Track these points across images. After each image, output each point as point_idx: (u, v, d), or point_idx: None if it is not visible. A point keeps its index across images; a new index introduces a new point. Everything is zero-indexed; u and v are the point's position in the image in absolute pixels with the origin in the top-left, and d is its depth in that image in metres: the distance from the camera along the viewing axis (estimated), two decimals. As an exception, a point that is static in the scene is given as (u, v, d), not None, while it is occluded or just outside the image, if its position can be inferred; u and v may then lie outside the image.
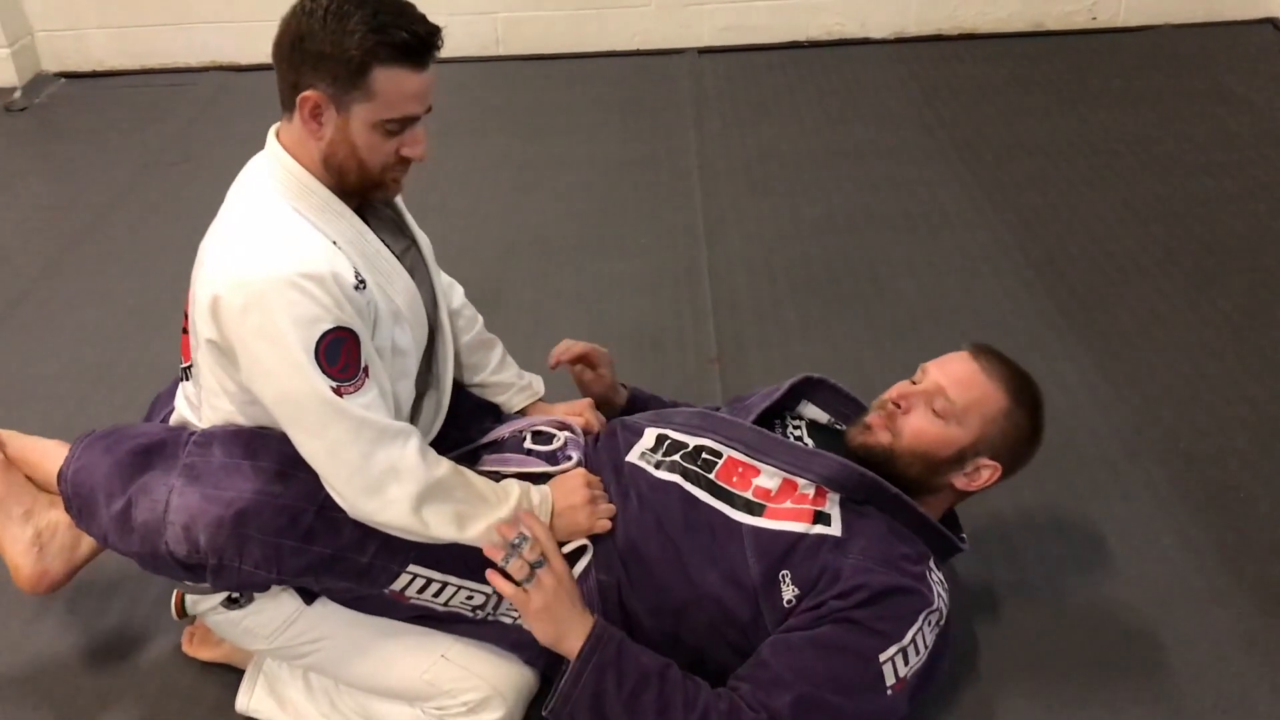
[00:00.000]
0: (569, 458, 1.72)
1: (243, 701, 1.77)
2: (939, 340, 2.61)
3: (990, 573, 2.00)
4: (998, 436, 1.67)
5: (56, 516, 1.71)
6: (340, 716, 1.73)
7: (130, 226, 3.44)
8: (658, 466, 1.70)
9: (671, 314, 2.84)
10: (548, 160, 3.74)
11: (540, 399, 1.98)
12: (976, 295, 2.85)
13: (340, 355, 1.44)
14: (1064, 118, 3.87)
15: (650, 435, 1.77)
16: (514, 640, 1.66)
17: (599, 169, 3.66)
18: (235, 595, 1.62)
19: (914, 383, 1.72)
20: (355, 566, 1.53)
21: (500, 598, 1.60)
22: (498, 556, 1.55)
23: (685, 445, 1.73)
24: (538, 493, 1.62)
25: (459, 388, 1.87)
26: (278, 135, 1.55)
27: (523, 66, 4.58)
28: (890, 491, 1.65)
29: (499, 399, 1.95)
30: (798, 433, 1.84)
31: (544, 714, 1.57)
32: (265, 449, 1.51)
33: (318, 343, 1.42)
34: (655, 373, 2.58)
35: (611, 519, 1.65)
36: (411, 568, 1.55)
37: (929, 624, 1.58)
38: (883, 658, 1.53)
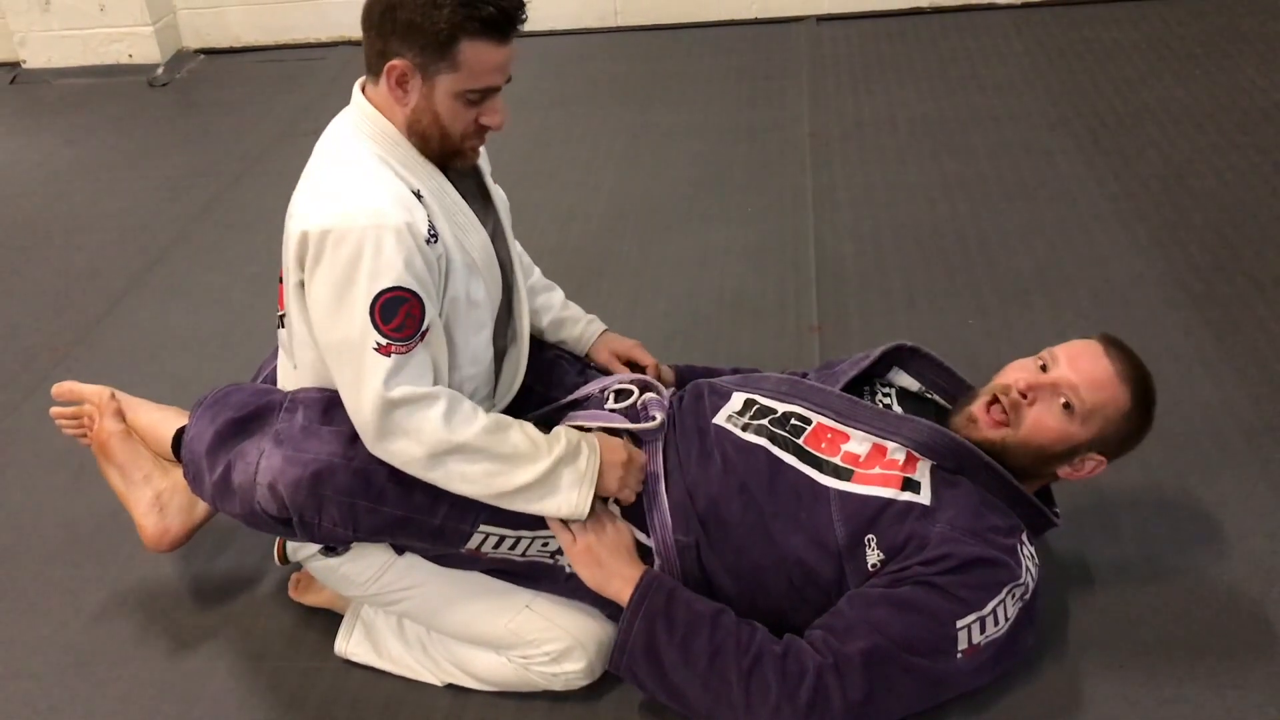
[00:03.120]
0: (652, 417, 1.74)
1: (341, 645, 1.85)
2: (1049, 312, 2.57)
3: (1086, 548, 1.95)
4: (1113, 435, 1.65)
5: (174, 479, 1.84)
6: (432, 663, 1.79)
7: (258, 195, 3.59)
8: (744, 429, 1.70)
9: (774, 281, 2.83)
10: (661, 129, 3.76)
11: (606, 330, 2.03)
12: (1091, 266, 2.76)
13: (398, 314, 1.49)
14: (1191, 83, 3.72)
15: (738, 399, 1.78)
16: (595, 596, 1.69)
17: (711, 138, 3.66)
18: (331, 545, 1.70)
19: (1041, 368, 1.66)
20: (428, 528, 1.59)
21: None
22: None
23: (774, 410, 1.73)
24: (587, 444, 1.62)
25: (542, 346, 1.93)
26: (365, 93, 1.60)
27: (640, 37, 4.60)
28: (983, 460, 1.62)
29: (572, 334, 2.00)
30: (887, 400, 1.82)
31: (609, 669, 1.61)
32: (342, 414, 1.57)
33: (378, 295, 1.47)
34: (755, 340, 2.59)
35: (686, 479, 1.66)
36: (483, 527, 1.60)
37: (1012, 596, 1.56)
38: (960, 624, 1.52)
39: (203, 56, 4.84)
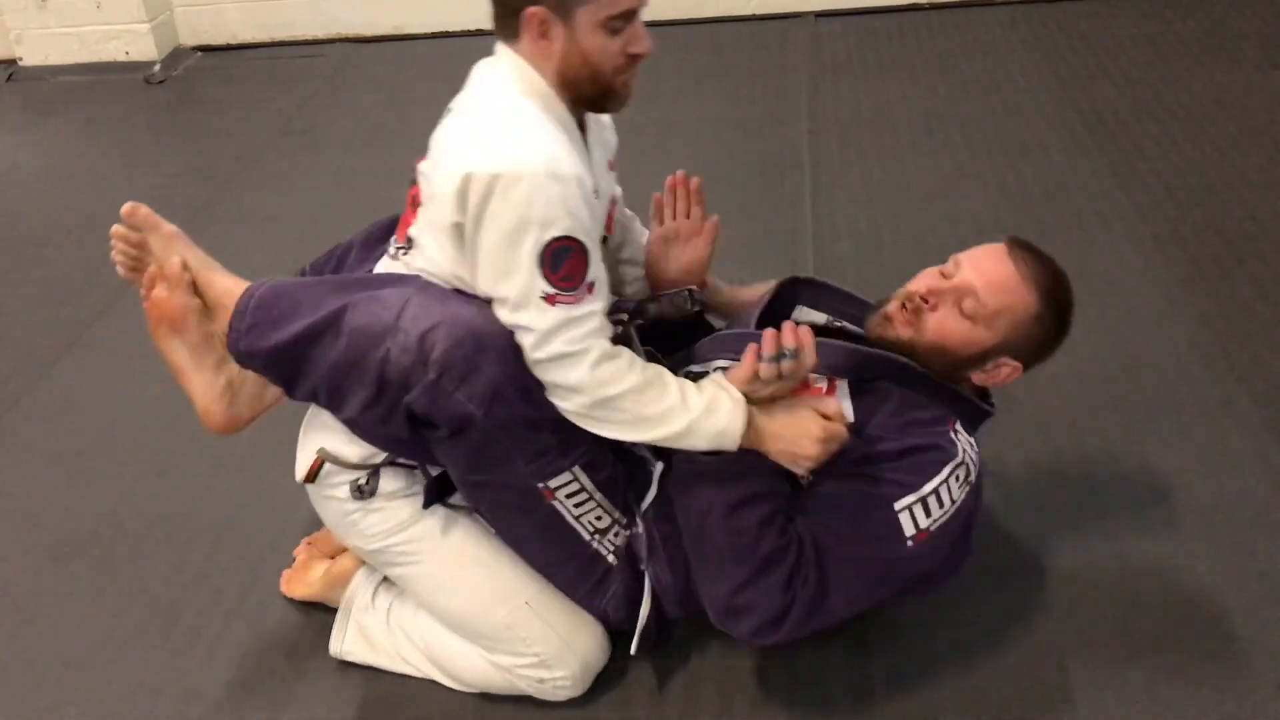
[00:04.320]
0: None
1: (335, 646, 1.84)
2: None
3: (1082, 544, 1.97)
4: (1023, 339, 1.63)
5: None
6: (414, 658, 1.79)
7: (256, 192, 3.58)
8: None
9: (772, 278, 2.81)
10: (657, 127, 3.74)
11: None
12: (1090, 264, 2.76)
13: (564, 264, 1.46)
14: (1191, 80, 3.71)
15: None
16: (600, 609, 1.70)
17: (708, 135, 3.65)
18: (363, 484, 1.65)
19: (944, 275, 1.65)
20: (540, 443, 1.55)
21: (616, 529, 1.66)
22: (769, 346, 1.49)
23: (706, 374, 1.70)
24: (740, 411, 1.53)
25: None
26: (512, 52, 1.58)
27: (637, 33, 4.58)
28: (897, 362, 1.63)
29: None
30: None
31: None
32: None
33: (547, 244, 1.45)
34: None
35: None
36: (575, 469, 1.59)
37: (955, 478, 1.56)
38: (898, 505, 1.53)
39: (200, 54, 4.83)
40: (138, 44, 4.67)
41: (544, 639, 1.67)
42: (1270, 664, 1.72)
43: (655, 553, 1.68)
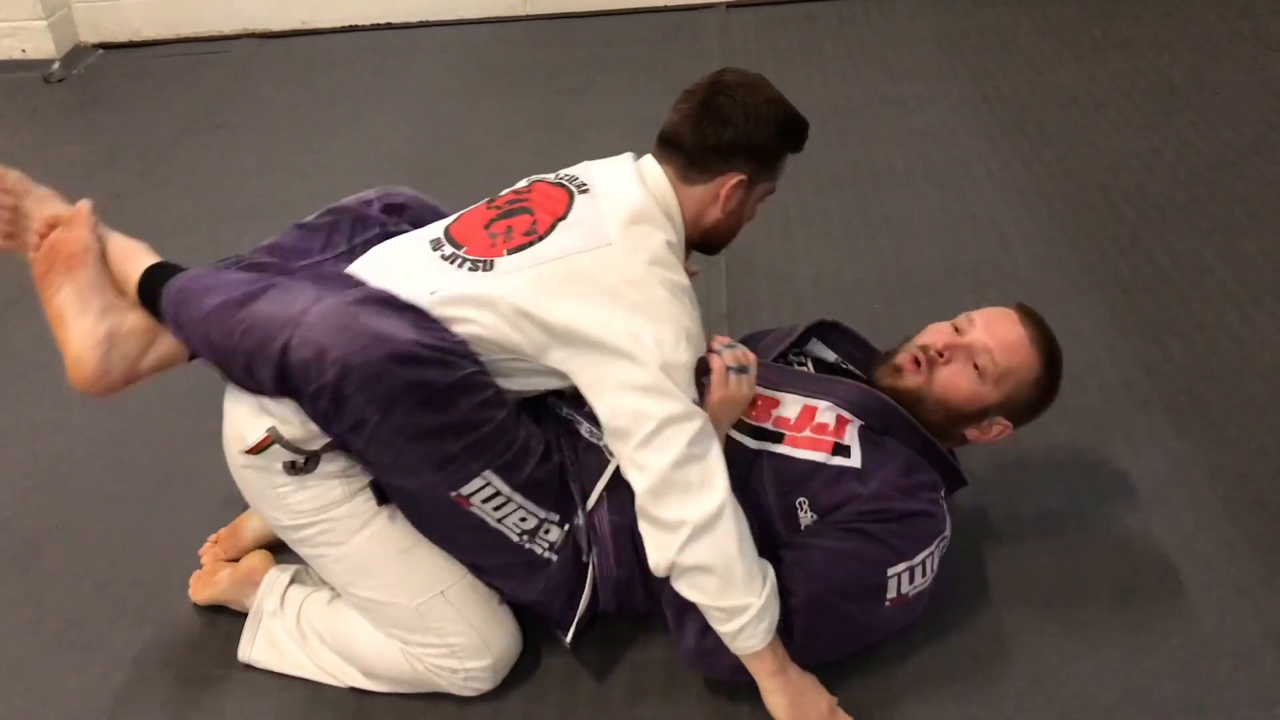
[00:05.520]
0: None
1: (244, 652, 1.81)
2: (955, 294, 2.61)
3: (994, 507, 2.03)
4: (1022, 400, 1.71)
5: (133, 321, 1.68)
6: (332, 665, 1.77)
7: (161, 193, 3.49)
8: None
9: (685, 271, 2.83)
10: (571, 121, 3.74)
11: None
12: (996, 250, 2.81)
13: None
14: (1091, 65, 3.79)
15: None
16: (536, 595, 1.68)
17: (622, 129, 3.64)
18: (296, 461, 1.60)
19: (956, 330, 1.72)
20: (444, 452, 1.52)
21: (547, 527, 1.64)
22: (717, 344, 1.66)
23: None
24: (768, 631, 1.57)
25: None
26: (672, 184, 1.75)
27: (549, 25, 4.56)
28: (907, 419, 1.70)
29: None
30: (804, 369, 1.86)
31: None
32: (427, 326, 1.54)
33: (690, 359, 1.58)
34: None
35: None
36: (487, 473, 1.55)
37: (939, 549, 1.64)
38: (891, 572, 1.59)
39: (101, 51, 4.70)
40: (34, 41, 4.53)
41: (458, 630, 1.67)
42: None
43: (599, 546, 1.68)
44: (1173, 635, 1.77)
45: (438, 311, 1.59)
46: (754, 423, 1.70)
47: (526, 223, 1.68)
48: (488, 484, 1.57)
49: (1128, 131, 3.33)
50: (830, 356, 1.94)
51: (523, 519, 1.62)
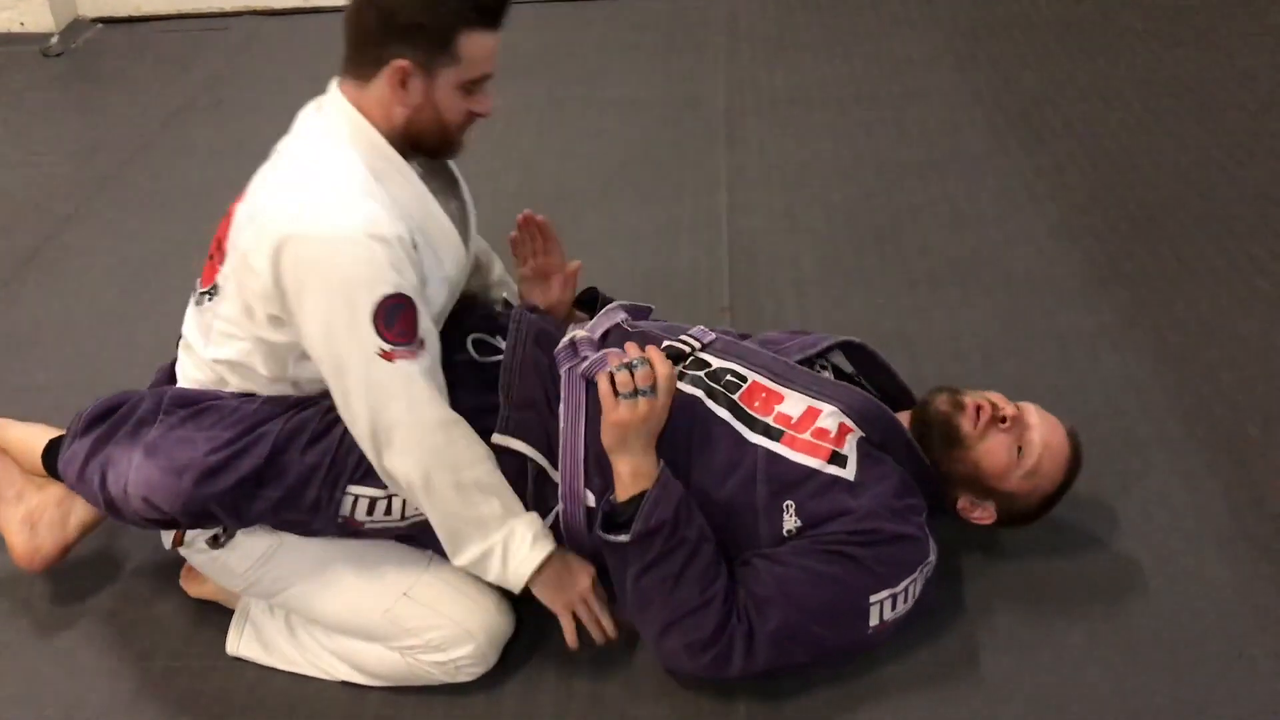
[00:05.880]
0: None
1: (232, 645, 1.79)
2: (958, 294, 2.58)
3: None
4: (1022, 503, 1.73)
5: (45, 498, 1.81)
6: (323, 660, 1.75)
7: (158, 171, 3.45)
8: (680, 378, 1.69)
9: (687, 261, 2.80)
10: (572, 105, 3.70)
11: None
12: (1002, 246, 2.77)
13: (398, 320, 1.49)
14: (1105, 59, 3.75)
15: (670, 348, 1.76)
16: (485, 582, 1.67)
17: (624, 114, 3.60)
18: (217, 534, 1.67)
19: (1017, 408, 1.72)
20: (305, 501, 1.59)
21: None
22: (613, 363, 1.62)
23: (708, 364, 1.73)
24: (540, 544, 1.61)
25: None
26: (348, 96, 1.59)
27: (556, 9, 4.51)
28: (906, 438, 1.68)
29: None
30: (825, 373, 1.83)
31: (596, 532, 1.61)
32: (219, 419, 1.60)
33: (378, 305, 1.47)
34: (665, 320, 2.55)
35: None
36: (351, 489, 1.59)
37: (922, 575, 1.62)
38: (873, 599, 1.56)
39: (100, 25, 4.64)
40: (33, 14, 4.48)
41: (433, 625, 1.66)
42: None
43: None
44: (1161, 642, 1.74)
45: (210, 354, 1.67)
46: (755, 414, 1.66)
47: (226, 224, 1.67)
48: (357, 498, 1.61)
49: (1137, 130, 3.29)
50: (848, 369, 1.93)
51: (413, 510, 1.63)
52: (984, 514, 1.73)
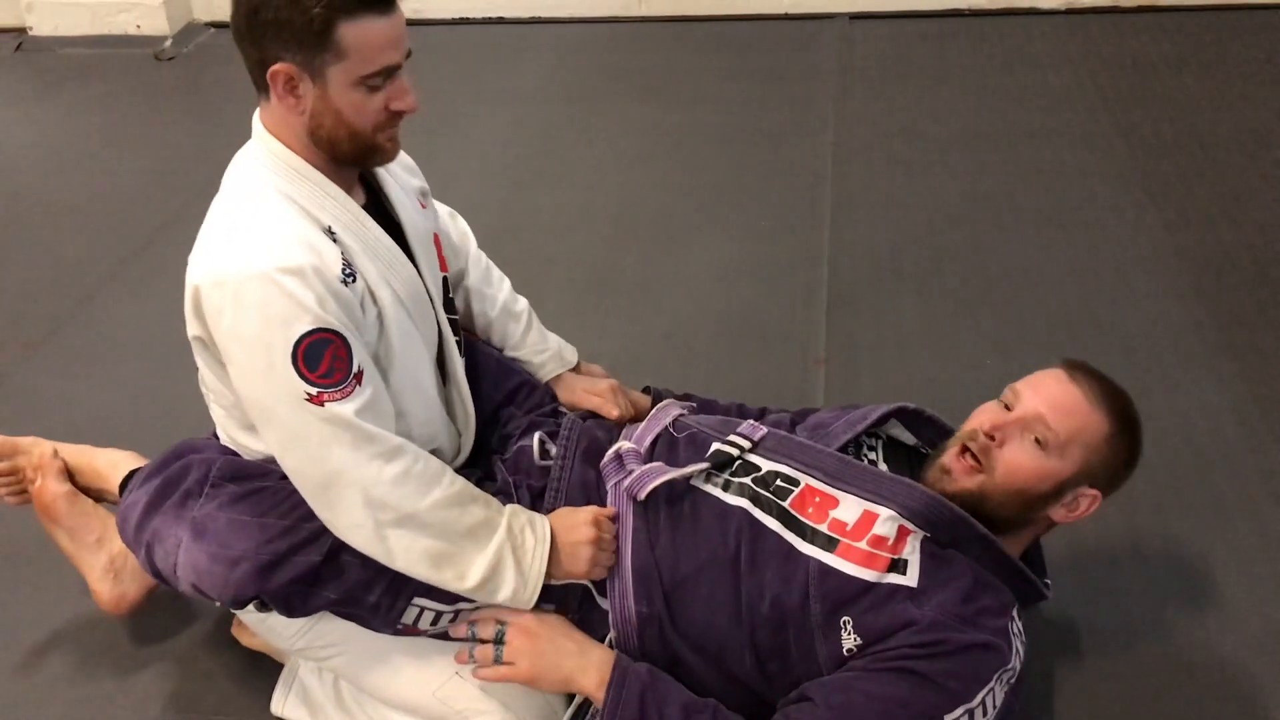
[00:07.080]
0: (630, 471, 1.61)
1: (277, 705, 1.73)
2: (1073, 353, 2.40)
3: (1086, 607, 1.83)
4: (1099, 464, 1.50)
5: None
6: None
7: (254, 182, 3.43)
8: (725, 488, 1.56)
9: (783, 305, 2.67)
10: (677, 130, 3.58)
11: (571, 369, 1.95)
12: (1124, 307, 2.58)
13: (324, 359, 1.37)
14: (1245, 105, 3.50)
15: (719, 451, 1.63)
16: None
17: (727, 141, 3.48)
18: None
19: (1006, 407, 1.52)
20: (364, 605, 1.51)
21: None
22: (461, 632, 1.55)
23: (758, 468, 1.59)
24: (537, 526, 1.52)
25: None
26: (261, 120, 1.47)
27: (664, 29, 4.41)
28: (978, 532, 1.48)
29: (530, 368, 1.91)
30: (872, 455, 1.67)
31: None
32: (274, 505, 1.50)
33: (296, 344, 1.35)
34: (755, 369, 2.43)
35: (655, 547, 1.53)
36: (417, 600, 1.51)
37: (1001, 682, 1.42)
38: (947, 718, 1.38)
39: (213, 30, 4.69)
40: (150, 18, 4.54)
41: (485, 709, 1.56)
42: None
43: None
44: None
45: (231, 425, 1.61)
46: (808, 522, 1.51)
47: None
48: (422, 610, 1.52)
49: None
50: (909, 440, 1.76)
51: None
52: (1086, 502, 1.52)
